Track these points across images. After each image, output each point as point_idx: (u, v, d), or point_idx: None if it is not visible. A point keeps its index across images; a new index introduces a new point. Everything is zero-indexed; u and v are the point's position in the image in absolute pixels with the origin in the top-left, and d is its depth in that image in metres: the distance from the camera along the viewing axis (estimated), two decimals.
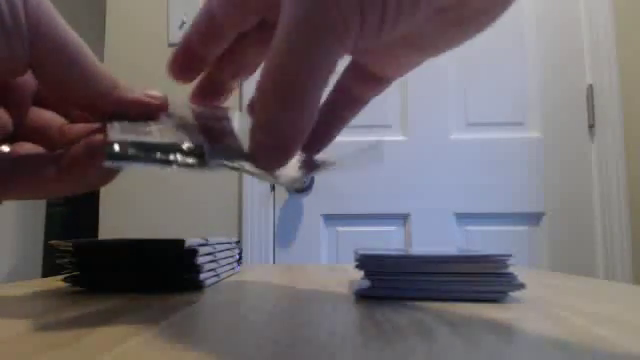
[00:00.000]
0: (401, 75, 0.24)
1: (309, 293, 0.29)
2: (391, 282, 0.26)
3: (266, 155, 0.19)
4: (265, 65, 0.19)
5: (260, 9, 0.22)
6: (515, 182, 1.17)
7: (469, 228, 1.16)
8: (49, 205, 1.43)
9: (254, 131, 0.19)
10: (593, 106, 1.18)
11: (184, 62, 0.25)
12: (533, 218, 1.18)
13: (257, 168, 0.19)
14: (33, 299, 0.27)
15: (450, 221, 1.15)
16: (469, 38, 0.20)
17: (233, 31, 0.23)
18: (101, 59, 1.36)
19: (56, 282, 0.35)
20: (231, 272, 0.41)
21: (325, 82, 0.18)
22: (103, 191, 1.30)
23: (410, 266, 0.26)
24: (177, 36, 1.30)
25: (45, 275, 1.40)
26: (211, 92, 0.27)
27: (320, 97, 0.18)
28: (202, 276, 0.31)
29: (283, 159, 0.19)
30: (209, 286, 0.32)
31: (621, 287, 0.31)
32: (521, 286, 0.26)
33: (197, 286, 0.30)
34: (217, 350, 0.14)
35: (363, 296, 0.26)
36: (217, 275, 0.35)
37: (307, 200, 1.24)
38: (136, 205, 1.29)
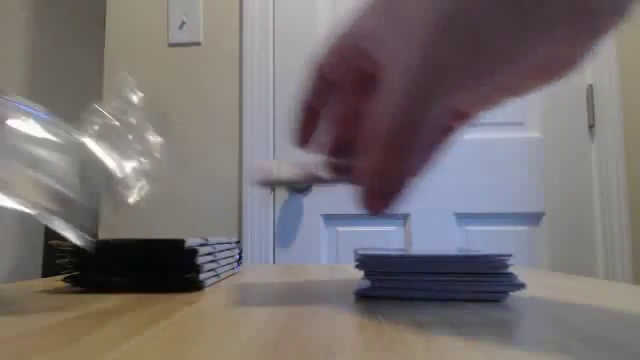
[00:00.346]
0: (487, 111, 0.26)
1: (309, 293, 0.29)
2: (391, 282, 0.26)
3: (370, 199, 0.21)
4: (376, 120, 0.20)
5: (364, 66, 0.24)
6: (515, 182, 1.17)
7: (469, 228, 1.16)
8: None
9: (362, 176, 0.21)
10: (593, 106, 1.18)
11: (307, 121, 0.28)
12: (533, 218, 1.18)
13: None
14: (33, 299, 0.27)
15: (450, 221, 1.15)
16: (555, 81, 0.22)
17: (343, 85, 0.26)
18: (101, 59, 1.36)
19: (56, 282, 0.35)
20: (231, 272, 0.41)
21: (428, 127, 0.20)
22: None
23: (410, 266, 0.26)
24: (177, 36, 1.30)
25: (45, 275, 1.40)
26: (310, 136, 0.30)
27: (423, 139, 0.20)
28: (202, 276, 0.31)
29: (392, 201, 0.21)
30: (209, 286, 0.32)
31: (621, 287, 0.31)
32: (521, 286, 0.26)
33: (197, 286, 0.30)
34: (217, 350, 0.14)
35: (363, 296, 0.26)
36: (217, 275, 0.35)
37: (307, 200, 1.24)
38: (136, 205, 1.29)
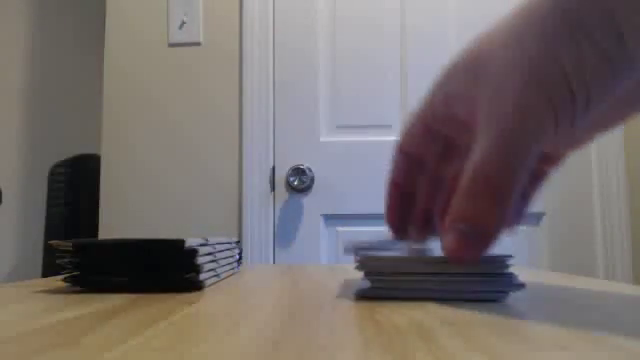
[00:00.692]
0: (578, 150, 0.27)
1: (309, 293, 0.29)
2: (391, 282, 0.26)
3: (457, 243, 0.22)
4: (472, 169, 0.22)
5: (448, 135, 0.26)
6: None
7: None
8: (49, 205, 1.44)
9: (453, 220, 0.22)
10: None
11: (401, 208, 0.29)
12: (533, 218, 1.18)
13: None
14: (33, 299, 0.27)
15: None
16: (630, 117, 0.23)
17: (430, 160, 0.28)
18: (101, 60, 1.36)
19: (56, 282, 0.35)
20: (231, 272, 0.41)
21: (525, 174, 0.21)
22: (103, 191, 1.30)
23: (410, 266, 0.26)
24: (177, 36, 1.30)
25: (45, 275, 1.40)
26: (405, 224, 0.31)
27: (520, 186, 0.21)
28: (202, 276, 0.31)
29: (479, 250, 0.22)
30: (209, 286, 0.32)
31: (621, 287, 0.31)
32: (521, 286, 0.26)
33: (197, 286, 0.30)
34: (217, 350, 0.14)
35: (363, 296, 0.26)
36: (217, 275, 0.35)
37: (307, 200, 1.24)
38: (136, 205, 1.29)
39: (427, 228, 0.29)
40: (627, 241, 1.13)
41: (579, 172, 1.16)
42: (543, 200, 1.16)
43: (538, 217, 1.16)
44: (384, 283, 0.26)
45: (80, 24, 1.74)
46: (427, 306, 0.23)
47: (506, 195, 0.21)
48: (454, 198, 0.22)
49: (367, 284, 0.26)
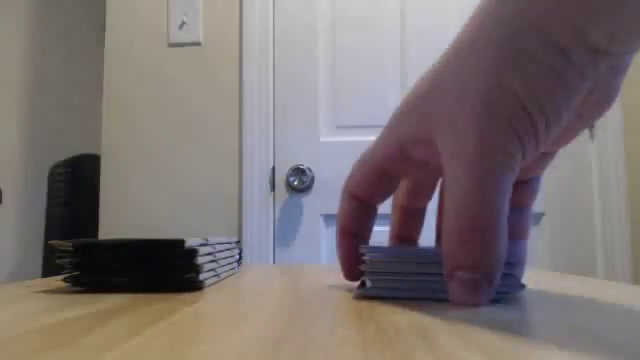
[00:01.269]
0: (544, 168, 0.27)
1: (309, 293, 0.29)
2: (391, 282, 0.26)
3: (466, 292, 0.21)
4: (454, 213, 0.21)
5: (419, 165, 0.26)
6: None
7: None
8: (49, 205, 1.44)
9: (450, 269, 0.22)
10: None
11: (352, 254, 0.29)
12: (533, 218, 1.18)
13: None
14: (33, 299, 0.27)
15: None
16: (588, 126, 0.25)
17: (379, 202, 0.29)
18: (101, 59, 1.36)
19: (56, 282, 0.35)
20: (231, 272, 0.41)
21: (507, 204, 0.20)
22: (103, 191, 1.30)
23: (411, 267, 0.26)
24: (177, 36, 1.30)
25: (45, 275, 1.40)
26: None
27: (505, 217, 0.21)
28: (202, 276, 0.31)
29: (485, 294, 0.21)
30: (209, 286, 0.32)
31: (621, 287, 0.31)
32: (521, 287, 0.26)
33: (197, 286, 0.30)
34: (217, 350, 0.14)
35: (363, 296, 0.26)
36: (217, 275, 0.35)
37: (307, 200, 1.24)
38: (136, 205, 1.29)
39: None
40: (627, 241, 1.13)
41: (579, 172, 1.16)
42: (543, 200, 1.16)
43: (538, 217, 1.16)
44: (384, 283, 0.26)
45: (80, 24, 1.74)
46: (427, 306, 0.23)
47: (496, 231, 0.20)
48: (445, 243, 0.21)
49: (368, 284, 0.26)
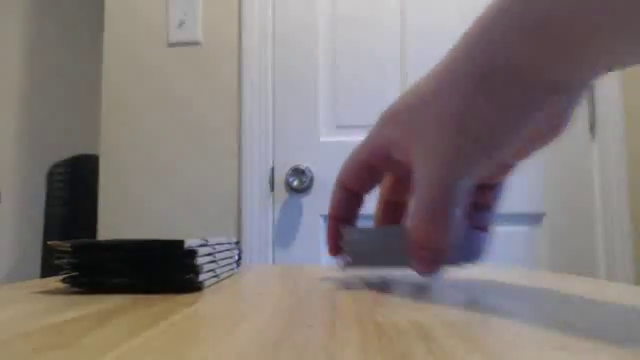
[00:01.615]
0: (505, 179, 0.32)
1: (309, 293, 0.29)
2: (364, 256, 0.33)
3: (422, 265, 0.28)
4: (422, 203, 0.27)
5: (389, 171, 0.33)
6: (515, 182, 1.17)
7: None
8: (48, 205, 1.44)
9: (414, 248, 0.28)
10: (593, 106, 1.18)
11: (338, 234, 0.34)
12: (533, 218, 1.18)
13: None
14: (32, 299, 0.27)
15: None
16: (542, 148, 0.29)
17: (366, 193, 0.34)
18: (100, 59, 1.36)
19: (56, 282, 0.35)
20: (230, 272, 0.41)
21: (463, 205, 0.26)
22: (102, 191, 1.30)
23: (378, 245, 0.33)
24: (177, 36, 1.30)
25: (45, 275, 1.40)
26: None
27: (459, 218, 0.26)
28: (201, 277, 0.31)
29: (435, 267, 0.28)
30: (208, 287, 0.32)
31: (621, 287, 0.31)
32: (476, 258, 0.32)
33: (196, 287, 0.30)
34: (217, 350, 0.14)
35: (344, 268, 0.33)
36: (216, 276, 0.35)
37: (307, 200, 1.24)
38: (136, 205, 1.29)
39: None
40: (627, 241, 1.13)
41: (579, 172, 1.16)
42: (544, 200, 1.16)
43: (538, 217, 1.16)
44: (359, 257, 0.33)
45: (79, 24, 1.74)
46: (427, 306, 0.23)
47: (448, 223, 0.26)
48: (411, 227, 0.27)
49: (349, 259, 0.33)
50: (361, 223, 0.34)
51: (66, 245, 0.31)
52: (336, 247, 0.34)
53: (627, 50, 0.21)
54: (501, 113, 0.24)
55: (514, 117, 0.24)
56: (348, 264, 0.33)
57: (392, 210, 0.35)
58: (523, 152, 0.28)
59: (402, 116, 0.28)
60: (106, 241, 0.32)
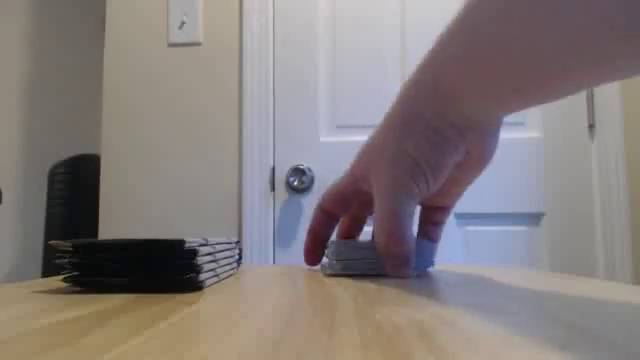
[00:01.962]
0: (453, 202, 0.41)
1: (309, 293, 0.29)
2: (349, 264, 0.40)
3: (394, 270, 0.36)
4: (380, 225, 0.36)
5: (359, 202, 0.42)
6: (515, 182, 1.17)
7: (469, 228, 1.16)
8: (49, 205, 1.44)
9: (384, 257, 0.37)
10: (593, 106, 1.18)
11: (316, 247, 0.44)
12: (533, 218, 1.18)
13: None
14: (33, 299, 0.27)
15: (450, 221, 1.15)
16: (477, 176, 0.37)
17: (340, 215, 0.45)
18: (101, 59, 1.36)
19: (56, 282, 0.35)
20: (231, 272, 0.41)
21: (412, 222, 0.35)
22: (103, 191, 1.30)
23: (361, 253, 0.40)
24: (177, 36, 1.30)
25: (45, 275, 1.40)
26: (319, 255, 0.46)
27: (411, 230, 0.35)
28: (202, 276, 0.31)
29: (405, 270, 0.36)
30: (209, 286, 0.32)
31: (621, 287, 0.31)
32: (431, 264, 0.42)
33: (197, 286, 0.30)
34: (217, 350, 0.14)
35: (331, 275, 0.39)
36: (217, 275, 0.35)
37: (307, 200, 1.24)
38: (136, 205, 1.29)
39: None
40: (627, 241, 1.13)
41: (579, 172, 1.16)
42: (543, 200, 1.16)
43: (538, 217, 1.16)
44: (344, 265, 0.40)
45: (80, 24, 1.74)
46: (427, 306, 0.23)
47: (404, 238, 0.35)
48: (378, 244, 0.36)
49: (337, 265, 0.40)
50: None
51: (67, 245, 0.31)
52: (314, 258, 0.44)
53: (514, 100, 0.29)
54: (423, 151, 0.32)
55: (435, 153, 0.32)
56: (335, 271, 0.40)
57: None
58: (460, 180, 0.36)
59: (365, 156, 0.38)
60: (107, 241, 0.32)
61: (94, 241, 0.32)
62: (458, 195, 0.39)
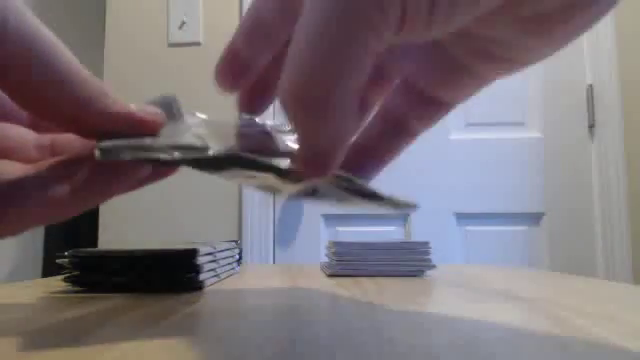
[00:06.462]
0: (464, 99, 0.19)
1: (309, 293, 0.29)
2: (353, 264, 0.40)
3: (306, 167, 0.15)
4: (286, 68, 0.14)
5: None
6: (515, 182, 1.17)
7: (469, 228, 1.16)
8: None
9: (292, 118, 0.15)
10: (593, 106, 1.18)
11: (232, 68, 0.20)
12: (533, 218, 1.18)
13: (284, 181, 0.17)
14: (33, 299, 0.27)
15: (450, 221, 1.15)
16: (554, 48, 0.16)
17: (283, 36, 0.19)
18: (101, 60, 1.36)
19: (56, 282, 0.35)
20: (231, 272, 0.41)
21: (360, 81, 0.14)
22: None
23: (365, 254, 0.40)
24: (177, 36, 1.30)
25: (45, 275, 1.40)
26: (259, 97, 0.21)
27: (356, 100, 0.14)
28: (202, 276, 0.31)
29: (322, 171, 0.15)
30: (209, 286, 0.32)
31: (621, 287, 0.31)
32: (433, 266, 0.40)
33: (197, 286, 0.30)
34: (217, 350, 0.14)
35: (334, 275, 0.40)
36: (217, 275, 0.35)
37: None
38: (136, 204, 1.29)
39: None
40: (627, 241, 1.13)
41: (579, 172, 1.16)
42: (543, 200, 1.16)
43: (538, 217, 1.16)
44: (347, 265, 0.40)
45: (80, 24, 1.74)
46: (427, 307, 0.23)
47: (329, 107, 0.14)
48: (288, 68, 0.14)
49: (338, 265, 0.40)
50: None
51: (66, 260, 0.31)
52: (232, 77, 0.20)
53: None
54: None
55: None
56: (335, 272, 0.39)
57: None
58: (486, 51, 0.17)
59: None
60: (108, 253, 0.32)
61: (95, 254, 0.32)
62: (477, 87, 0.19)
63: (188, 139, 0.17)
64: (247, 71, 0.20)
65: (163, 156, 0.16)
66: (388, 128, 0.20)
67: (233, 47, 0.20)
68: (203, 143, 0.16)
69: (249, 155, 0.17)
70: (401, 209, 0.19)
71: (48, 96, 0.15)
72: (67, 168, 0.16)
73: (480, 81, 0.18)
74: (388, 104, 0.20)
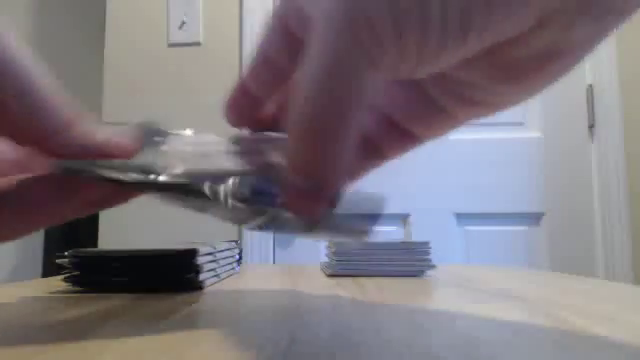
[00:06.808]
0: (437, 136, 0.20)
1: (309, 293, 0.29)
2: (352, 264, 0.40)
3: (298, 200, 0.16)
4: (295, 103, 0.15)
5: (295, 27, 0.19)
6: (515, 182, 1.17)
7: (469, 228, 1.16)
8: None
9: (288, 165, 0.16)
10: (593, 106, 1.18)
11: (242, 103, 0.23)
12: (533, 218, 1.18)
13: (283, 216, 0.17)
14: (33, 299, 0.27)
15: (450, 221, 1.15)
16: (529, 94, 0.16)
17: (288, 73, 0.20)
18: (101, 60, 1.36)
19: (56, 282, 0.35)
20: (231, 272, 0.41)
21: (359, 112, 0.14)
22: None
23: (364, 254, 0.41)
24: (177, 36, 1.30)
25: (45, 275, 1.40)
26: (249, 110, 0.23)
27: (355, 131, 0.15)
28: (202, 276, 0.31)
29: (316, 205, 0.16)
30: (209, 286, 0.32)
31: (621, 287, 0.31)
32: (433, 266, 0.40)
33: (197, 286, 0.30)
34: (217, 350, 0.14)
35: (334, 275, 0.40)
36: (217, 275, 0.35)
37: None
38: (136, 204, 1.29)
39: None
40: (627, 241, 1.13)
41: (579, 172, 1.16)
42: (543, 200, 1.15)
43: (538, 217, 1.16)
44: (347, 265, 0.40)
45: (80, 24, 1.74)
46: (427, 307, 0.23)
47: (337, 134, 0.14)
48: (293, 123, 0.15)
49: (338, 265, 0.40)
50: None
51: (66, 260, 0.31)
52: (241, 115, 0.23)
53: None
54: None
55: None
56: (335, 272, 0.40)
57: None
58: (466, 93, 0.17)
59: None
60: (108, 253, 0.32)
61: (95, 255, 0.32)
62: (452, 126, 0.19)
63: (145, 164, 0.17)
64: (254, 106, 0.22)
65: (108, 174, 0.16)
66: (359, 149, 0.19)
67: (243, 84, 0.22)
68: (158, 170, 0.17)
69: (180, 181, 0.17)
70: (358, 238, 0.19)
71: (16, 123, 0.16)
72: (19, 186, 0.17)
73: (454, 121, 0.19)
74: (363, 128, 0.20)
